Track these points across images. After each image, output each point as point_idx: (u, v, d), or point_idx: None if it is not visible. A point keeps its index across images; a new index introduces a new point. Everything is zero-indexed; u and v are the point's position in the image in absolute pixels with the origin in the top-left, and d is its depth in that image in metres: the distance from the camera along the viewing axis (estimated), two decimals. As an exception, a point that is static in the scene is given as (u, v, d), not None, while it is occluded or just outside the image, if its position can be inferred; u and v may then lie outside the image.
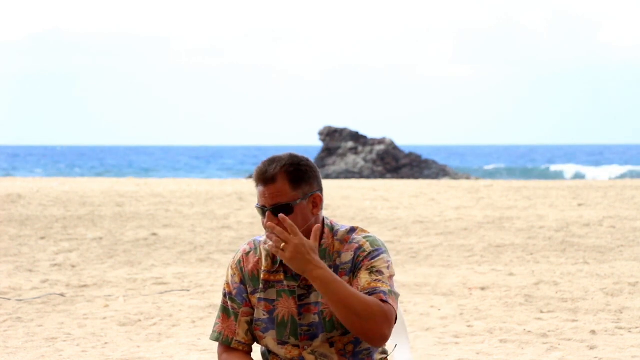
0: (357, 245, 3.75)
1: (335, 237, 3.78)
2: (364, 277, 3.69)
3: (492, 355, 6.97)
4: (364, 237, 3.77)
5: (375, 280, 3.68)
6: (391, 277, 3.72)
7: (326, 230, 3.78)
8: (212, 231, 15.24)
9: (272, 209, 3.68)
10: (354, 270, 3.72)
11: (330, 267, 3.74)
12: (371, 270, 3.70)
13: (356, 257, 3.72)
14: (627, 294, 9.52)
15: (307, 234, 3.71)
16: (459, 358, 6.89)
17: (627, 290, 9.70)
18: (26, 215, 17.26)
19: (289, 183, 3.70)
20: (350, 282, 3.71)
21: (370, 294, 3.65)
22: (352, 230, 3.81)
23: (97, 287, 10.05)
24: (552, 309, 8.78)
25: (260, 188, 3.69)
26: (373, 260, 3.72)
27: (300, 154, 3.77)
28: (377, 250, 3.74)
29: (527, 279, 10.47)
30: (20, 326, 8.06)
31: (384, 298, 3.64)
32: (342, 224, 3.86)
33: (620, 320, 8.21)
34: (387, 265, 3.73)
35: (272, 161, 3.71)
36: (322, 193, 3.77)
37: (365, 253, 3.73)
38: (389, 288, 3.67)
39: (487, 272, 11.00)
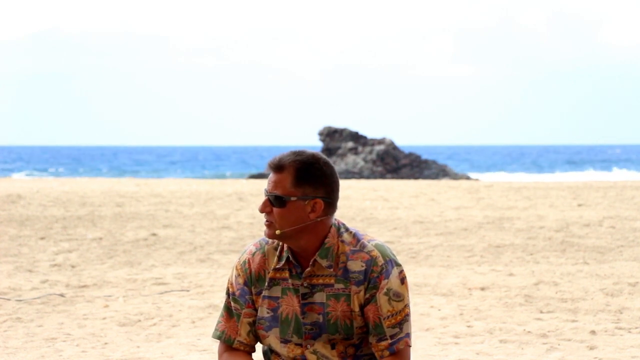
0: (368, 256, 3.74)
1: (340, 238, 3.79)
2: (384, 306, 3.72)
3: (492, 356, 6.97)
4: (375, 246, 3.77)
5: (398, 313, 3.73)
6: (407, 289, 3.78)
7: (332, 229, 3.79)
8: (212, 231, 15.23)
9: (269, 197, 3.73)
10: (368, 286, 3.73)
11: (331, 266, 3.75)
12: (390, 297, 3.73)
13: (370, 272, 3.73)
14: (627, 294, 9.52)
15: (299, 235, 3.73)
16: (459, 358, 6.88)
17: (627, 290, 9.70)
18: (26, 216, 17.26)
19: (292, 178, 3.71)
20: (363, 296, 3.73)
21: (398, 339, 3.73)
22: (358, 233, 3.82)
23: (97, 287, 10.04)
24: (552, 309, 8.78)
25: (270, 173, 3.76)
26: (388, 280, 3.73)
27: (326, 158, 3.78)
28: (388, 264, 3.75)
29: (527, 279, 10.46)
30: (20, 326, 8.06)
31: (409, 342, 3.76)
32: (349, 226, 3.88)
33: (620, 321, 8.21)
34: (401, 279, 3.76)
35: (293, 153, 3.75)
36: (328, 202, 3.76)
37: (379, 268, 3.73)
38: (409, 322, 3.76)
39: (487, 272, 10.99)
